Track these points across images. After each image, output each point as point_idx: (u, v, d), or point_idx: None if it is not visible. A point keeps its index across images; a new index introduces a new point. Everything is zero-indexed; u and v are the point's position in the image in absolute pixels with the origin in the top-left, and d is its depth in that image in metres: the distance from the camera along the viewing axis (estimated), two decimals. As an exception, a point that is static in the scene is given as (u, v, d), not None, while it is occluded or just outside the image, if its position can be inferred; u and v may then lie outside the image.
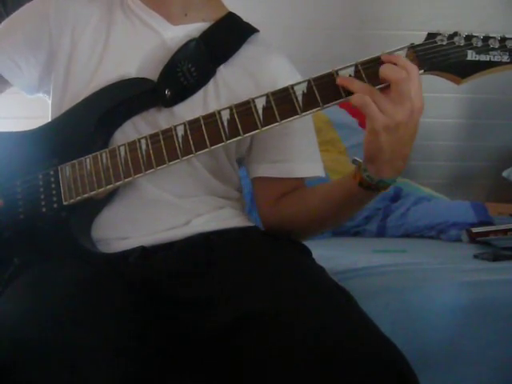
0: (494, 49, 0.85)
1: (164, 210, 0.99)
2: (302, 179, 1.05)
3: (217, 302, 0.84)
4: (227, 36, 1.04)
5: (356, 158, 0.90)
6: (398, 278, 1.27)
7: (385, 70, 0.83)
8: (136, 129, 0.98)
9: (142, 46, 1.01)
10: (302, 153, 1.05)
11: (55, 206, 0.95)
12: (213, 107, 0.93)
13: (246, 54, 1.04)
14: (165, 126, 0.92)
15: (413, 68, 0.83)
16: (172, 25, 1.02)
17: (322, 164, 1.07)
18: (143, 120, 0.99)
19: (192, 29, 1.02)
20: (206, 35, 1.02)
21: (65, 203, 0.95)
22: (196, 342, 0.83)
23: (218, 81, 1.01)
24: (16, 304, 0.80)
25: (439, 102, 2.61)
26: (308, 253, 1.00)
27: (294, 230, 1.04)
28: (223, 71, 1.01)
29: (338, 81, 0.85)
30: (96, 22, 1.02)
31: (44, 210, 0.96)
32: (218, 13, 1.06)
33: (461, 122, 2.76)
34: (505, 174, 2.51)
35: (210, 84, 1.00)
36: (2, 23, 1.07)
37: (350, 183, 0.92)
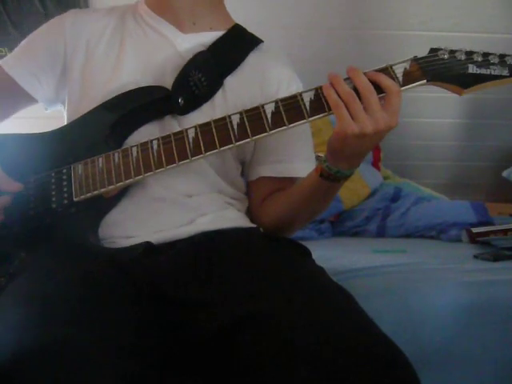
0: (494, 64, 0.88)
1: (169, 208, 1.00)
2: (295, 178, 1.08)
3: (217, 301, 0.84)
4: (234, 47, 1.09)
5: (319, 154, 0.94)
6: (398, 278, 1.27)
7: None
8: (149, 135, 0.99)
9: (155, 53, 1.06)
10: (301, 153, 1.09)
11: (65, 202, 0.98)
12: (221, 115, 0.95)
13: (251, 63, 1.09)
14: None
15: (393, 85, 0.86)
16: (182, 33, 1.07)
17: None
18: (157, 127, 1.02)
19: (201, 37, 1.07)
20: (214, 47, 1.07)
21: (75, 199, 0.97)
22: (196, 341, 0.83)
23: (226, 90, 1.05)
24: (17, 303, 0.80)
25: (439, 102, 2.61)
26: (308, 254, 1.01)
27: (281, 224, 1.07)
28: (230, 81, 1.06)
29: (329, 76, 0.88)
30: (110, 32, 1.08)
31: (54, 206, 0.98)
32: (224, 21, 1.12)
33: (461, 122, 2.76)
34: (505, 174, 2.51)
35: (219, 94, 1.04)
36: (23, 41, 1.12)
37: (313, 176, 0.97)
